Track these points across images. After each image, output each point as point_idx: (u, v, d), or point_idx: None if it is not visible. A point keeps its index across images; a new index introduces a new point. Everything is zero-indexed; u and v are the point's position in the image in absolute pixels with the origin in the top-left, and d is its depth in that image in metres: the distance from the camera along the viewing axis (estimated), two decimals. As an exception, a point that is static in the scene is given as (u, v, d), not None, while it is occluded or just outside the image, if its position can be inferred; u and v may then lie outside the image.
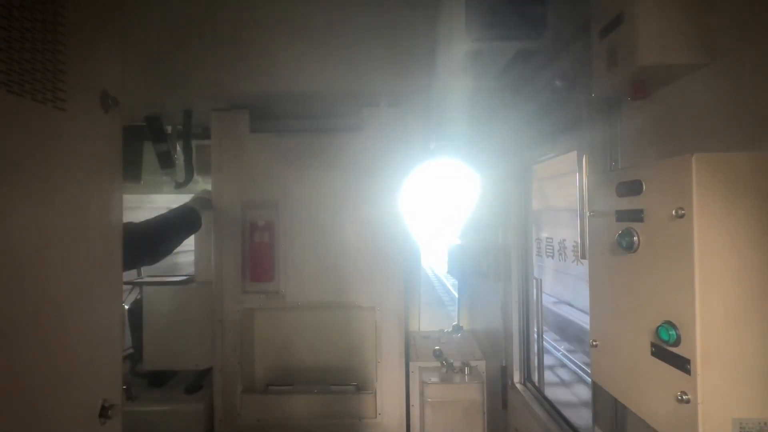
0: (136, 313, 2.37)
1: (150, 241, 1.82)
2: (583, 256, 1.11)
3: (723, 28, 0.84)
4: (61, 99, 0.94)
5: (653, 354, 0.81)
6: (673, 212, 0.74)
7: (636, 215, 0.86)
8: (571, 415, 1.75)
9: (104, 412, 1.04)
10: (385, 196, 2.29)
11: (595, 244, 1.03)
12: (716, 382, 0.71)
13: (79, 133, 1.01)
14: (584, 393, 4.29)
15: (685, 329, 0.74)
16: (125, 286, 2.70)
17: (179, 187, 2.56)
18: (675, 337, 0.75)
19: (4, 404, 0.80)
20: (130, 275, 2.86)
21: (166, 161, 2.50)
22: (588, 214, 1.05)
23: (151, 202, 3.92)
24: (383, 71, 2.05)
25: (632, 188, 0.87)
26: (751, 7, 0.78)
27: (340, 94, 2.15)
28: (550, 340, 5.88)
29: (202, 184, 2.80)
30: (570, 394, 4.53)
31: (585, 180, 1.16)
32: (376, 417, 2.27)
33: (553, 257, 2.23)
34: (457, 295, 3.19)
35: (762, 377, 0.71)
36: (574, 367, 4.99)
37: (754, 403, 0.71)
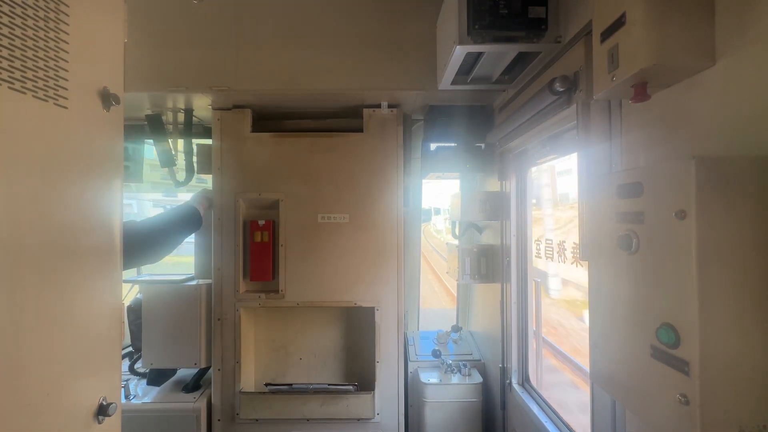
0: (135, 312, 2.37)
1: (150, 240, 1.81)
2: (583, 258, 1.12)
3: (724, 31, 0.84)
4: (63, 97, 0.94)
5: (653, 356, 0.81)
6: (674, 214, 0.75)
7: (636, 217, 0.86)
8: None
9: (103, 410, 1.04)
10: (386, 196, 2.29)
11: (595, 246, 1.03)
12: (716, 384, 0.71)
13: (80, 131, 1.01)
14: None
15: (684, 331, 0.74)
16: (124, 285, 2.69)
17: (180, 185, 2.56)
18: (674, 338, 0.75)
19: (3, 402, 0.80)
20: (129, 273, 2.86)
21: (166, 160, 2.50)
22: (588, 215, 1.05)
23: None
24: (384, 72, 2.05)
25: (633, 190, 0.87)
26: (752, 10, 0.78)
27: (341, 95, 2.15)
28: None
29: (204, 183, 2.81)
30: None
31: (585, 181, 1.17)
32: (374, 417, 2.27)
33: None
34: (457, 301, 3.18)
35: (762, 379, 0.71)
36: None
37: (755, 406, 0.71)
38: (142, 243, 1.73)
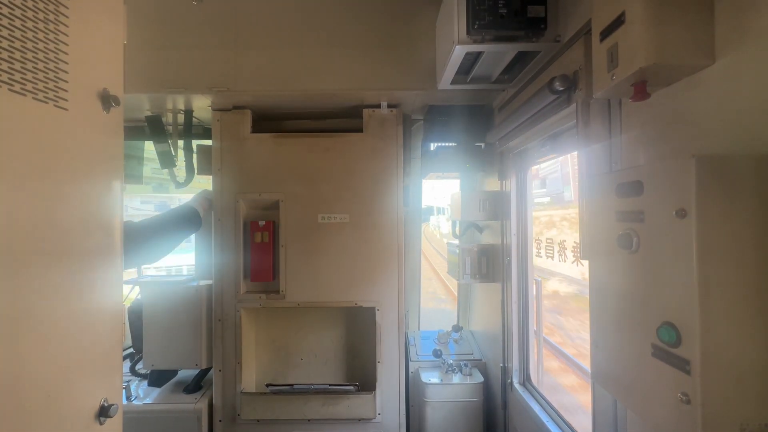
0: (136, 313, 2.37)
1: (149, 240, 1.82)
2: (584, 257, 1.12)
3: (723, 30, 0.84)
4: (63, 98, 0.95)
5: (654, 355, 0.81)
6: (674, 213, 0.75)
7: (636, 216, 0.86)
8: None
9: (104, 412, 1.04)
10: (386, 196, 2.29)
11: (595, 245, 1.03)
12: (717, 383, 0.71)
13: (80, 133, 1.01)
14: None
15: (685, 330, 0.74)
16: (125, 285, 2.69)
17: (180, 186, 2.57)
18: (675, 337, 0.75)
19: (4, 403, 0.80)
20: (130, 274, 2.86)
21: (166, 161, 2.50)
22: (588, 214, 1.05)
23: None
24: (384, 72, 2.05)
25: (633, 189, 0.87)
26: (751, 8, 0.78)
27: (340, 95, 2.15)
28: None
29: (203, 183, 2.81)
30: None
31: (585, 180, 1.16)
32: (375, 417, 2.27)
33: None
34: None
35: (763, 378, 0.71)
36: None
37: (756, 404, 0.71)
38: (139, 243, 1.73)
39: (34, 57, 0.87)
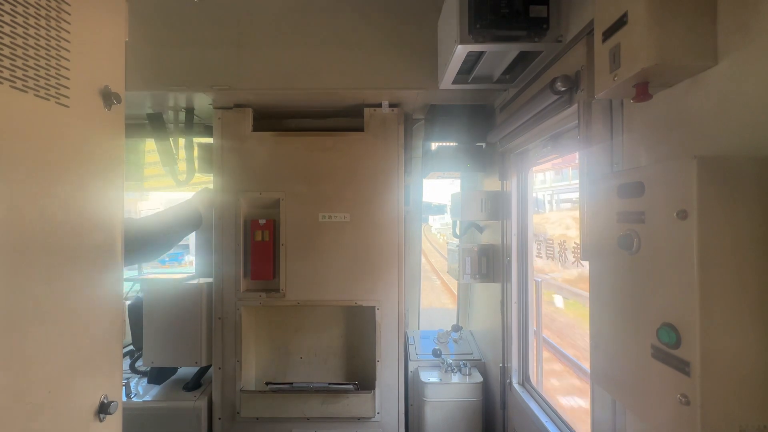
0: (136, 310, 2.38)
1: (149, 239, 1.82)
2: (584, 258, 1.11)
3: (726, 31, 0.84)
4: (64, 95, 0.95)
5: (653, 356, 0.81)
6: (675, 214, 0.74)
7: (637, 217, 0.86)
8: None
9: (104, 408, 1.05)
10: (386, 195, 2.29)
11: (596, 246, 1.03)
12: (717, 384, 0.71)
13: (81, 130, 1.01)
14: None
15: (685, 331, 0.74)
16: (126, 283, 2.70)
17: (180, 184, 2.57)
18: (675, 338, 0.75)
19: (4, 399, 0.80)
20: (130, 272, 2.86)
21: (167, 159, 2.50)
22: (589, 215, 1.05)
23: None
24: (385, 71, 2.05)
25: (634, 190, 0.87)
26: (754, 10, 0.78)
27: (342, 94, 2.15)
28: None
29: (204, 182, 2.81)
30: None
31: (586, 181, 1.16)
32: (375, 416, 2.28)
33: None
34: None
35: (763, 380, 0.71)
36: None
37: (755, 406, 0.71)
38: (140, 241, 1.73)
39: (36, 54, 0.87)
